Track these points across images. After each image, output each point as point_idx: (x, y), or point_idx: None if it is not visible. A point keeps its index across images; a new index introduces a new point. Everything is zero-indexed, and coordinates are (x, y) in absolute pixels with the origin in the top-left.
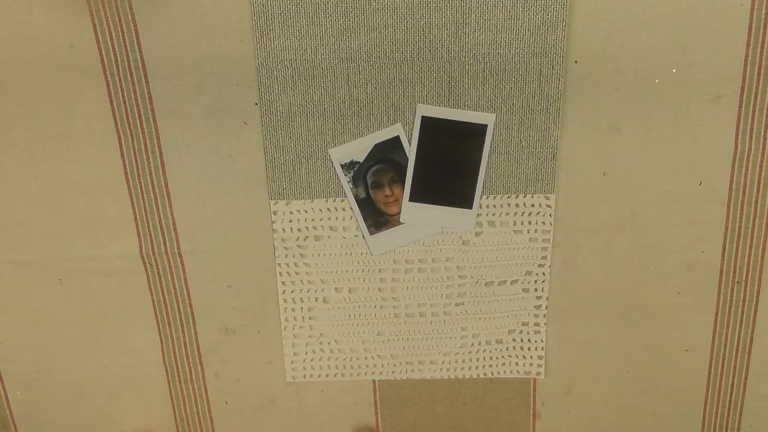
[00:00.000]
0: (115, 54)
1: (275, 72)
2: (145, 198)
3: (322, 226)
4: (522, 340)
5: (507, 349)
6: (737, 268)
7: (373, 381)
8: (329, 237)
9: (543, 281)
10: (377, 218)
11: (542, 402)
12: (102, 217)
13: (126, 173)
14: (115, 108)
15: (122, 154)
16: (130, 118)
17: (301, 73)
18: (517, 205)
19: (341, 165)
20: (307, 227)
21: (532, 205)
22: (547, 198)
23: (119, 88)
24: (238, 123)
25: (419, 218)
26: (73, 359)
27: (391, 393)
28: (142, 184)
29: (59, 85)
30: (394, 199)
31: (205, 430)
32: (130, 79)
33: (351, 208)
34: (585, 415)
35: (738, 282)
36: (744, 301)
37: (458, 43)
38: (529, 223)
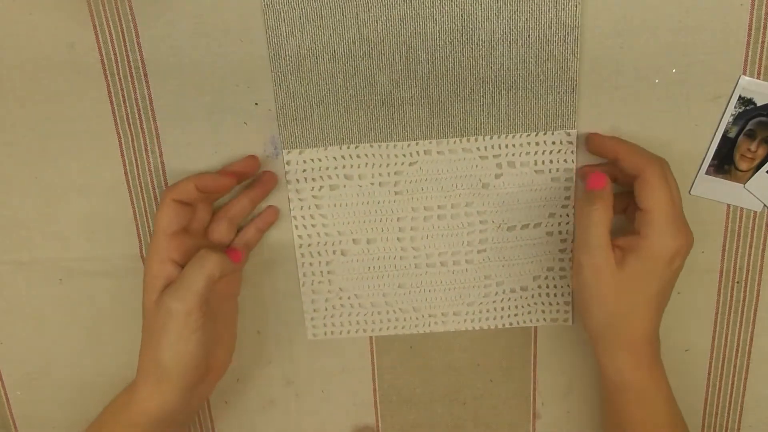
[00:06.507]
0: (115, 54)
1: (282, 14)
2: (145, 198)
3: (337, 175)
4: (548, 287)
5: (532, 296)
6: (737, 268)
7: (373, 381)
8: (344, 186)
9: (567, 223)
10: (723, 164)
11: (542, 402)
12: (102, 217)
13: (126, 173)
14: (115, 108)
15: (122, 154)
16: (130, 118)
17: (308, 14)
18: (537, 144)
19: (740, 96)
20: (321, 176)
21: (553, 143)
22: (569, 134)
23: (119, 88)
24: (238, 123)
25: (760, 192)
26: (73, 359)
27: (391, 393)
28: (142, 184)
29: (59, 85)
30: (751, 158)
31: (205, 431)
32: (130, 79)
33: (711, 140)
34: (585, 415)
35: (738, 282)
36: (744, 301)
37: None
38: (551, 162)
